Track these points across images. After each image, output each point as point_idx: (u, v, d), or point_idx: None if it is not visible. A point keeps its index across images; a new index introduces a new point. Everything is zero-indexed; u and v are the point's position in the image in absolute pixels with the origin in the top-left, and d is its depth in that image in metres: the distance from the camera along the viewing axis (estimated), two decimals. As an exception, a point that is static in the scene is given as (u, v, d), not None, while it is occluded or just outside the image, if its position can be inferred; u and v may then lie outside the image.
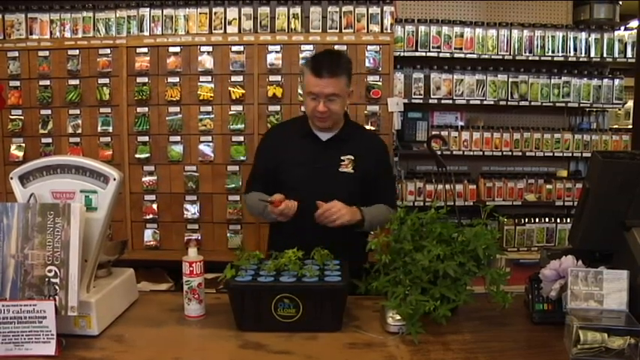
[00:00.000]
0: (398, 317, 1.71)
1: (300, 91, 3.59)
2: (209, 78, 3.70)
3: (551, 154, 4.23)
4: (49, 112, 3.76)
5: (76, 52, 3.73)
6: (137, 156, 3.74)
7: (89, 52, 3.72)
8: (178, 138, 3.73)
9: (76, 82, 3.74)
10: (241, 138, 3.70)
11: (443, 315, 1.68)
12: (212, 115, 3.71)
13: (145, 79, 3.71)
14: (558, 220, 4.23)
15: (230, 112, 3.70)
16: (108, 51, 3.71)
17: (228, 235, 3.77)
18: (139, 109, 3.73)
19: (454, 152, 4.13)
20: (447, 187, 3.91)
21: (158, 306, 1.97)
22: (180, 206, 3.77)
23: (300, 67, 2.41)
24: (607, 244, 1.78)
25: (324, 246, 1.93)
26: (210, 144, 3.73)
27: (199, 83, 3.70)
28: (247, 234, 3.74)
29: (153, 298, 2.10)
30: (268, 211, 2.21)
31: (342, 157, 2.30)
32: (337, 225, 2.16)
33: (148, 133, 3.74)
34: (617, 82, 4.17)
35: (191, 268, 1.83)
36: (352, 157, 2.31)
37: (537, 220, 4.23)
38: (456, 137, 4.14)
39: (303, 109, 3.51)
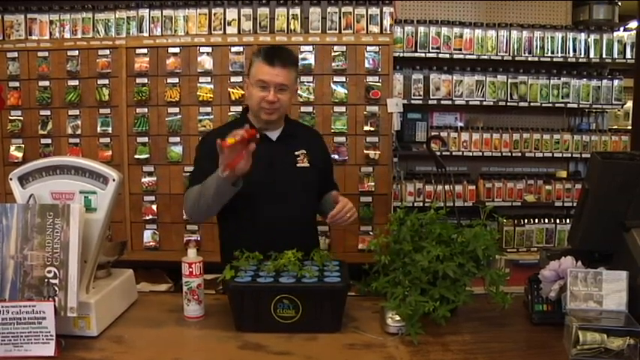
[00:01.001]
0: (397, 318, 1.71)
1: (300, 92, 3.59)
2: (208, 79, 3.69)
3: (550, 155, 4.24)
4: (48, 112, 3.76)
5: (76, 52, 3.72)
6: (136, 157, 3.74)
7: (88, 52, 3.72)
8: (178, 139, 3.73)
9: (75, 82, 3.73)
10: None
11: (442, 316, 1.68)
12: (211, 116, 3.70)
13: (145, 80, 3.70)
14: (558, 221, 4.23)
15: (230, 113, 3.69)
16: (107, 52, 3.71)
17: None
18: (138, 110, 3.72)
19: (453, 153, 4.13)
20: (447, 187, 3.91)
21: (157, 307, 1.97)
22: (179, 207, 3.75)
23: (249, 59, 2.32)
24: (606, 244, 1.78)
25: (283, 247, 1.91)
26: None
27: (199, 84, 3.69)
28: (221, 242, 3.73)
29: (152, 298, 2.10)
30: (215, 184, 2.03)
31: (296, 153, 2.29)
32: (350, 222, 2.17)
33: (148, 134, 3.73)
34: (616, 82, 4.18)
35: (190, 269, 1.82)
36: (305, 151, 2.30)
37: (537, 220, 4.23)
38: (455, 138, 4.15)
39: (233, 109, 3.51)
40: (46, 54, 3.74)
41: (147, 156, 3.74)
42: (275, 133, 2.29)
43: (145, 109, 3.72)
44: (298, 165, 2.28)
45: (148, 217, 3.77)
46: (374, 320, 1.83)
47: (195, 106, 3.71)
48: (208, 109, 3.70)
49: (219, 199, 2.07)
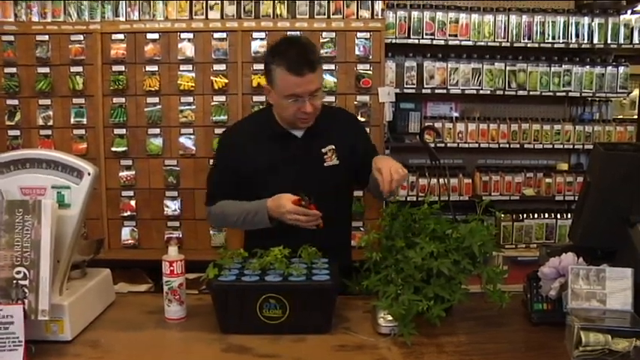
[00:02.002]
0: (390, 318, 1.71)
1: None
2: (190, 67, 3.68)
3: (550, 147, 4.24)
4: (16, 102, 3.71)
5: (46, 37, 3.67)
6: (113, 149, 3.72)
7: (60, 38, 3.68)
8: (158, 130, 3.71)
9: (46, 70, 3.69)
10: (224, 130, 3.68)
11: (437, 315, 1.68)
12: (193, 106, 3.69)
13: (122, 68, 3.68)
14: (558, 216, 4.24)
15: (212, 103, 3.69)
16: (81, 37, 3.67)
17: (210, 232, 3.76)
18: (115, 100, 3.70)
19: (448, 144, 4.14)
20: (441, 181, 3.92)
21: (137, 308, 1.96)
22: (159, 202, 3.75)
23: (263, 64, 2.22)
24: (610, 240, 1.79)
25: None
26: (192, 136, 3.72)
27: (179, 72, 3.67)
28: (231, 231, 3.73)
29: (131, 299, 2.09)
30: (256, 218, 2.12)
31: (323, 150, 2.23)
32: (403, 178, 2.02)
33: (125, 125, 3.71)
34: (621, 69, 4.15)
35: (171, 268, 1.82)
36: (333, 147, 2.23)
37: (536, 215, 4.24)
38: (450, 129, 4.15)
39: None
40: (11, 38, 3.68)
41: (124, 149, 3.72)
42: (300, 130, 2.22)
43: (123, 99, 3.70)
44: (326, 164, 2.23)
45: (126, 214, 3.75)
46: (365, 320, 1.83)
47: (176, 96, 3.69)
48: (190, 99, 3.69)
49: (251, 227, 2.20)
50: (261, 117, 2.30)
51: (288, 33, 3.62)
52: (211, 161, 3.63)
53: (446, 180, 4.01)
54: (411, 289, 1.72)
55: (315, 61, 2.07)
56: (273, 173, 2.18)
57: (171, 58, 3.68)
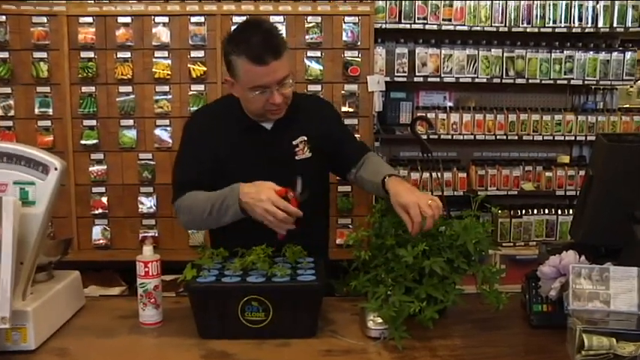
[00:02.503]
0: (379, 320, 1.72)
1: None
2: (165, 53, 3.65)
3: (551, 138, 4.27)
4: (-29, 90, 3.67)
5: (2, 18, 3.60)
6: (83, 142, 3.69)
7: (20, 19, 3.61)
8: (131, 122, 3.69)
9: (4, 54, 3.62)
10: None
11: (429, 317, 1.69)
12: (169, 96, 3.67)
13: (91, 54, 3.64)
14: (559, 212, 4.27)
15: (190, 92, 3.67)
16: (44, 19, 3.61)
17: (189, 231, 3.75)
18: (84, 89, 3.66)
19: (442, 136, 4.16)
20: (434, 175, 3.94)
21: (109, 313, 1.95)
22: (134, 199, 3.73)
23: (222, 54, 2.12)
24: (614, 237, 1.80)
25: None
26: (168, 128, 3.70)
27: (154, 59, 3.65)
28: (211, 230, 3.73)
29: (103, 304, 2.08)
30: (224, 205, 1.97)
31: (294, 143, 2.19)
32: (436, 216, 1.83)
33: (96, 117, 3.68)
34: (628, 55, 4.16)
35: (146, 269, 1.81)
36: (305, 138, 2.20)
37: (536, 211, 4.27)
38: (444, 119, 4.17)
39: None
40: (-38, 18, 3.61)
41: (95, 141, 3.69)
42: (270, 122, 2.18)
43: (92, 88, 3.66)
44: (298, 157, 2.19)
45: (97, 212, 3.72)
46: (353, 323, 1.83)
47: (151, 85, 3.67)
48: (166, 88, 3.67)
49: (217, 221, 2.06)
50: (228, 105, 2.21)
51: (271, 17, 3.61)
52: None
53: (439, 174, 4.03)
54: (402, 290, 1.73)
55: (280, 46, 2.01)
56: (241, 168, 2.13)
57: (145, 44, 3.65)
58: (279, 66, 1.99)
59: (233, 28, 2.24)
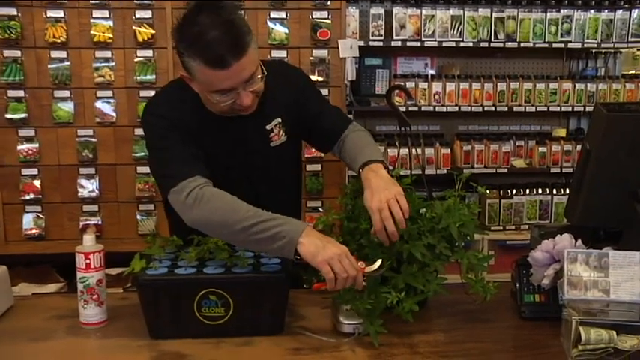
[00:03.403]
0: (353, 314, 1.74)
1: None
2: (106, 13, 3.62)
3: (545, 109, 4.32)
4: None
5: None
6: (8, 116, 3.64)
7: None
8: (67, 93, 3.66)
9: None
10: (152, 93, 3.64)
11: (409, 310, 1.71)
12: (112, 63, 3.64)
13: (13, 11, 3.58)
14: (554, 192, 4.33)
15: (136, 59, 3.64)
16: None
17: (138, 217, 3.74)
18: (6, 53, 3.61)
19: (423, 108, 4.18)
20: (414, 151, 3.96)
21: (44, 313, 1.94)
22: (72, 182, 3.71)
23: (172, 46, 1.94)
24: (614, 219, 1.83)
25: None
26: (111, 100, 3.67)
27: (92, 20, 3.61)
28: (163, 216, 3.71)
29: (37, 302, 2.07)
30: (266, 234, 1.78)
31: (268, 128, 2.16)
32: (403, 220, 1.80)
33: (23, 86, 3.64)
34: (635, 13, 4.17)
35: (87, 261, 1.80)
36: (279, 120, 2.17)
37: (528, 191, 4.32)
38: (425, 89, 4.19)
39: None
40: None
41: (23, 115, 3.65)
42: None
43: (18, 52, 3.61)
44: (273, 144, 2.16)
45: (28, 197, 3.70)
46: (324, 318, 1.86)
47: (89, 50, 3.64)
48: (107, 54, 3.64)
49: (251, 243, 1.85)
50: (187, 90, 2.06)
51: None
52: (137, 131, 3.65)
53: (420, 150, 4.05)
54: (378, 280, 1.74)
55: (244, 41, 1.86)
56: (218, 159, 2.07)
57: (81, 2, 3.61)
58: (244, 64, 1.86)
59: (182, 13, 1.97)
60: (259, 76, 1.94)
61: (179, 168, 1.94)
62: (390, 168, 2.02)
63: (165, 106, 2.08)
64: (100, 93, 3.66)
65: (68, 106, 3.66)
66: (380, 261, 1.73)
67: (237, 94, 1.91)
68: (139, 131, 3.65)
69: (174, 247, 1.92)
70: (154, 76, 3.64)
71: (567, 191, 4.27)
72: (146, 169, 3.67)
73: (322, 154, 3.65)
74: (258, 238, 1.77)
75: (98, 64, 3.64)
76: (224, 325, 1.73)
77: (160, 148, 2.03)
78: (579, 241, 1.77)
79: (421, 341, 1.73)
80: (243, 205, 1.84)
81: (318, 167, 3.72)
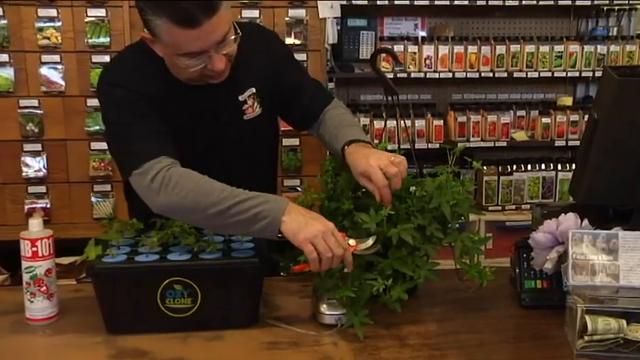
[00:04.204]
0: (335, 304, 1.75)
1: None
2: (50, -36, 3.59)
3: (549, 75, 4.34)
4: None
5: None
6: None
7: None
8: (5, 57, 3.65)
9: None
10: (106, 58, 3.63)
11: (397, 299, 1.72)
12: (58, 23, 3.61)
13: None
14: (559, 167, 4.36)
15: (86, 19, 3.62)
16: None
17: (92, 199, 3.74)
18: None
19: (412, 74, 4.19)
20: (403, 123, 3.98)
21: (-19, 308, 1.94)
22: (15, 160, 3.70)
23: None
24: (623, 196, 1.85)
25: None
26: (59, 67, 3.65)
27: (34, -28, 3.58)
28: (122, 197, 3.70)
29: (-28, 297, 2.06)
30: (245, 215, 1.78)
31: (241, 99, 2.15)
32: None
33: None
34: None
35: (34, 249, 1.79)
36: (254, 90, 2.16)
37: (529, 167, 4.34)
38: (414, 53, 4.19)
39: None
40: None
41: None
42: None
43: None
44: (247, 117, 2.15)
45: (-37, 178, 3.68)
46: (303, 309, 1.87)
47: (31, 7, 3.62)
48: (52, 12, 3.62)
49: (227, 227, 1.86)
50: (150, 56, 2.03)
51: None
52: (89, 101, 3.63)
53: (409, 122, 4.06)
54: (363, 265, 1.76)
55: (213, 1, 1.84)
56: (186, 133, 2.06)
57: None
58: (216, 23, 1.84)
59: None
60: (233, 37, 1.92)
61: (142, 146, 1.92)
62: (376, 142, 2.03)
63: (124, 73, 2.05)
64: (44, 58, 3.65)
65: (7, 73, 3.64)
66: (372, 238, 1.74)
67: (208, 58, 1.89)
68: (92, 101, 3.64)
69: (133, 231, 1.92)
70: (107, 39, 3.62)
71: (574, 166, 4.27)
72: (101, 145, 3.67)
73: (299, 127, 3.68)
74: (236, 220, 1.77)
75: (42, 24, 3.61)
76: (191, 317, 1.74)
77: (119, 122, 2.00)
78: (585, 221, 1.77)
79: (411, 333, 1.75)
80: (217, 185, 1.83)
81: (296, 142, 3.73)
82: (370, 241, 1.73)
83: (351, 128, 2.11)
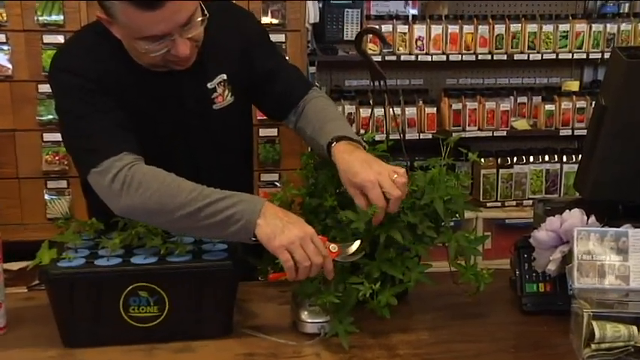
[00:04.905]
0: (317, 310, 1.76)
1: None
2: None
3: (554, 57, 4.36)
4: None
5: None
6: None
7: None
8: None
9: None
10: (60, 39, 3.62)
11: (385, 304, 1.74)
12: (4, -1, 3.61)
13: None
14: (564, 159, 4.37)
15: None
16: None
17: (46, 197, 3.73)
18: None
19: (402, 57, 4.20)
20: (392, 111, 3.99)
21: None
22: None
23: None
24: (634, 191, 1.87)
25: None
26: (5, 47, 3.66)
27: None
28: (78, 194, 3.70)
29: None
30: (218, 217, 1.78)
31: (210, 86, 2.14)
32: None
33: None
34: None
35: (-21, 252, 1.80)
36: (224, 77, 2.15)
37: (532, 158, 4.36)
38: (404, 34, 4.20)
39: None
40: None
41: None
42: None
43: None
44: (216, 106, 2.14)
45: None
46: (282, 316, 1.88)
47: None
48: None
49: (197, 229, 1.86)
50: (108, 38, 2.01)
51: None
52: (41, 88, 3.62)
53: (399, 110, 4.07)
54: (348, 268, 1.77)
55: None
56: (142, 132, 2.03)
57: None
58: (181, 4, 1.83)
59: None
60: (199, 19, 1.91)
61: (101, 142, 1.91)
62: (362, 132, 2.04)
63: (80, 57, 2.02)
64: (-12, 37, 3.64)
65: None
66: (357, 243, 1.74)
67: (171, 42, 1.87)
68: (45, 87, 3.63)
69: (93, 232, 1.92)
70: (61, 17, 3.61)
71: (580, 158, 4.28)
72: (55, 136, 3.66)
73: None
74: (207, 223, 1.76)
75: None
76: (158, 327, 1.74)
77: (74, 114, 1.98)
78: (592, 218, 1.79)
79: (401, 342, 1.76)
80: (185, 184, 1.82)
81: (273, 132, 3.73)
82: (354, 247, 1.73)
83: (338, 122, 2.09)
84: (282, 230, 1.70)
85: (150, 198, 1.79)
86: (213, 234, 1.84)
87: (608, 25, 4.32)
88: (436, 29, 4.21)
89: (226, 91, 2.15)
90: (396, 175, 1.75)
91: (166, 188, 1.80)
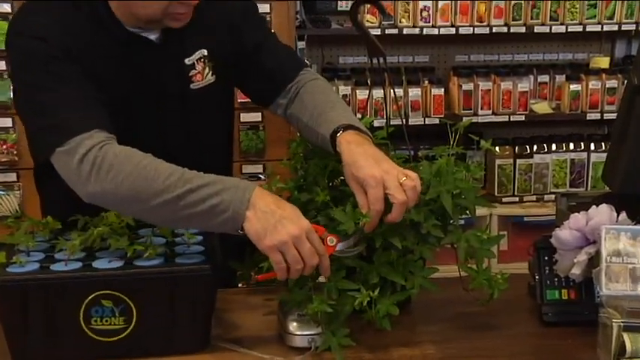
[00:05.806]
0: (307, 321, 1.77)
1: None
2: None
3: (580, 29, 4.37)
4: None
5: None
6: None
7: None
8: None
9: None
10: (7, 6, 3.62)
11: (385, 314, 1.75)
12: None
13: None
14: (592, 147, 4.38)
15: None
16: None
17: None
18: None
19: (405, 30, 4.20)
20: (392, 92, 4.00)
21: None
22: None
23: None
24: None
25: None
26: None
27: None
28: (30, 189, 3.70)
29: None
30: (202, 207, 1.77)
31: (187, 62, 2.15)
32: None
33: None
34: None
35: None
36: (205, 52, 2.17)
37: (554, 147, 4.36)
38: (407, 3, 4.20)
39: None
40: None
41: None
42: (154, 32, 2.10)
43: None
44: (194, 86, 2.16)
45: None
46: (267, 328, 1.89)
47: None
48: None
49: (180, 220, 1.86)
50: (78, 7, 2.04)
51: None
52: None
53: (401, 91, 4.08)
54: (342, 273, 1.77)
55: None
56: (121, 101, 2.05)
57: None
58: None
59: None
60: None
61: (68, 117, 1.88)
62: (358, 116, 2.04)
63: (45, 20, 2.01)
64: None
65: None
66: (357, 234, 1.74)
67: None
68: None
69: (48, 232, 1.91)
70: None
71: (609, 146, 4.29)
72: (4, 122, 3.66)
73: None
74: (187, 214, 1.75)
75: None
76: (124, 341, 1.74)
77: (37, 85, 1.96)
78: (623, 215, 1.79)
79: (403, 357, 1.77)
80: (163, 167, 1.80)
81: (257, 117, 3.74)
82: (351, 241, 1.74)
83: (342, 110, 2.08)
84: (275, 226, 1.69)
85: (122, 183, 1.77)
86: (197, 225, 1.85)
87: (643, -6, 4.34)
88: (443, -2, 4.22)
89: (206, 69, 2.15)
90: (405, 178, 1.74)
91: (141, 171, 1.78)
